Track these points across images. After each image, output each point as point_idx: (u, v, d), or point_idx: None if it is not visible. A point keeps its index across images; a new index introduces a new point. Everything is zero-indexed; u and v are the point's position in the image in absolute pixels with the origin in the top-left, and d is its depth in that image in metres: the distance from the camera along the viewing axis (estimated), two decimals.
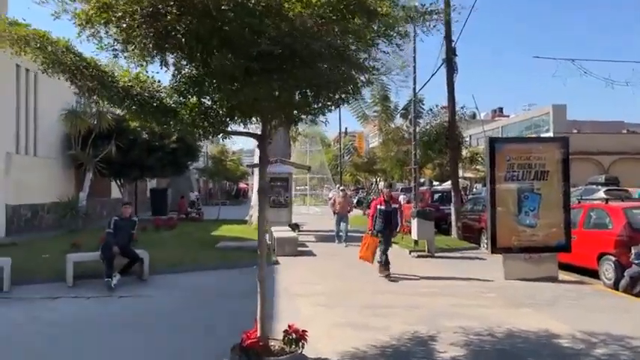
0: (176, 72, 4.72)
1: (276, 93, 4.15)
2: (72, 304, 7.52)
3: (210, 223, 20.94)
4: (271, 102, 4.27)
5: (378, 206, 10.02)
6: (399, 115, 24.21)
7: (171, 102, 4.82)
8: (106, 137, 18.51)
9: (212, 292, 8.51)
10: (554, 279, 9.35)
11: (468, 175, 35.58)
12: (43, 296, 7.92)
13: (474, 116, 50.20)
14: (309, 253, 13.08)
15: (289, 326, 4.99)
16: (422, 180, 38.07)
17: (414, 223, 12.57)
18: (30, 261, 10.22)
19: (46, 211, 18.59)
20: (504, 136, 37.30)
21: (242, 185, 56.23)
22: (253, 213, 19.71)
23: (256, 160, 20.26)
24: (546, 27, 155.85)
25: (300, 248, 13.23)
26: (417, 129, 18.46)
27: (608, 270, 9.32)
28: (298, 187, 43.12)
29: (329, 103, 4.49)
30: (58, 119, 18.37)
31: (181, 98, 4.83)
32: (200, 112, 4.91)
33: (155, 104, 4.68)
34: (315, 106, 4.48)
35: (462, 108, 18.44)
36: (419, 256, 12.13)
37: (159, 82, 5.02)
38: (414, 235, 12.73)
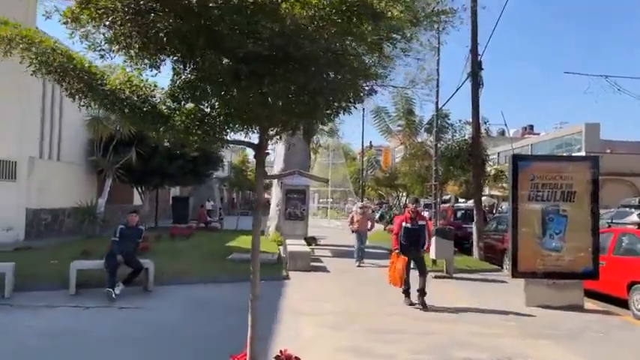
0: (175, 77, 4.49)
1: (270, 99, 3.85)
2: (70, 314, 7.30)
3: (228, 233, 20.77)
4: (264, 108, 3.97)
5: (403, 224, 8.97)
6: (423, 130, 23.75)
7: (164, 107, 4.56)
8: (128, 144, 18.59)
9: (217, 306, 8.21)
10: (579, 308, 8.73)
11: (495, 193, 34.65)
12: (43, 304, 7.73)
13: (502, 133, 49.29)
14: (323, 269, 12.68)
15: (281, 352, 4.64)
16: (447, 197, 37.38)
17: (433, 241, 12.06)
18: (38, 267, 10.13)
19: (66, 215, 18.73)
20: (534, 154, 36.22)
21: (266, 196, 56.17)
22: (271, 225, 19.49)
23: (275, 170, 20.11)
24: (578, 43, 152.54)
25: (313, 263, 12.85)
26: (442, 144, 17.98)
27: (638, 300, 8.66)
28: (322, 200, 42.79)
29: (328, 112, 4.15)
30: (82, 125, 18.57)
31: (175, 104, 4.58)
32: (196, 118, 4.64)
33: (145, 109, 4.42)
34: (314, 114, 4.14)
35: (485, 123, 17.84)
36: (436, 277, 11.58)
37: (154, 86, 4.78)
38: (432, 255, 12.21)
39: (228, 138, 5.05)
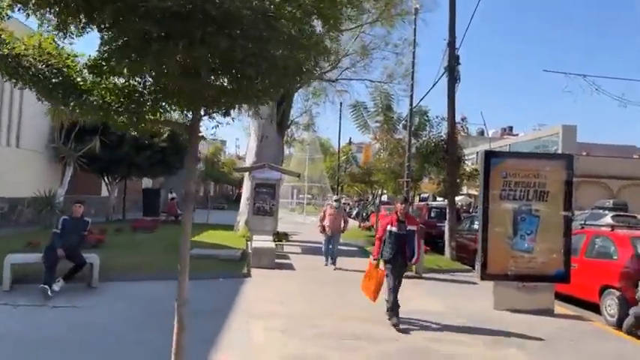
0: (101, 47, 3.88)
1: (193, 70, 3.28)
2: None
3: (197, 227, 20.01)
4: (189, 81, 3.40)
5: (388, 227, 7.48)
6: (401, 127, 23.23)
7: (79, 80, 3.96)
8: (93, 132, 17.74)
9: (164, 306, 7.44)
10: (549, 312, 8.33)
11: (473, 192, 34.47)
12: None
13: (482, 133, 49.26)
14: (289, 267, 12.12)
15: None
16: (425, 195, 37.03)
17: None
18: None
19: (25, 205, 17.84)
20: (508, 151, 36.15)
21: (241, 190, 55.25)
22: (241, 219, 18.86)
23: (247, 163, 19.45)
24: (557, 43, 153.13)
25: (280, 260, 12.30)
26: (416, 141, 17.54)
27: (610, 305, 8.32)
28: (300, 196, 42.17)
29: (267, 88, 3.58)
30: (45, 111, 17.65)
31: (96, 77, 3.97)
32: (122, 94, 4.05)
33: (55, 80, 3.82)
34: (248, 90, 3.57)
35: (462, 120, 17.46)
36: (404, 277, 11.09)
37: (74, 55, 4.16)
38: None
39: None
